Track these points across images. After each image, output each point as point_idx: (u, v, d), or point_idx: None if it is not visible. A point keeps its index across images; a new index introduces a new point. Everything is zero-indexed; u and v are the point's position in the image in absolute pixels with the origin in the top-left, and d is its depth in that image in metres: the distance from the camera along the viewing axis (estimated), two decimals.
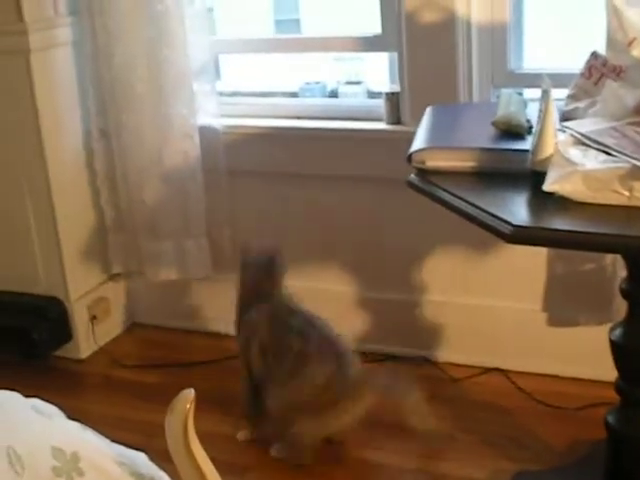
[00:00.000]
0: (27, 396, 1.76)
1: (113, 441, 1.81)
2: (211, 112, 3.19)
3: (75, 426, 1.76)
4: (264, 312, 2.74)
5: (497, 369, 3.05)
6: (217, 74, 3.24)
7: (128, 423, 2.91)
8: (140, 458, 1.81)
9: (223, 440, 2.76)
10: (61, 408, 1.81)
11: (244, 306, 2.78)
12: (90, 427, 1.80)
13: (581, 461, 2.53)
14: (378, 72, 3.27)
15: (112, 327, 3.55)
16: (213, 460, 1.71)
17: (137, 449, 1.84)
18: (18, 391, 1.76)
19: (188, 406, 1.63)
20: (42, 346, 3.28)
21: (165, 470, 1.82)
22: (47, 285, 3.35)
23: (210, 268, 3.30)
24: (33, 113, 3.11)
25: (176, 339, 3.50)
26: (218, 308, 3.08)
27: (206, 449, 1.70)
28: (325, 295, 3.25)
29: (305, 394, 2.60)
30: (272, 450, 2.74)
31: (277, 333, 2.71)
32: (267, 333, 2.71)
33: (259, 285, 2.77)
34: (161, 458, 1.81)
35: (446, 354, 3.14)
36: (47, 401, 1.79)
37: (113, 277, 3.52)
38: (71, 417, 1.80)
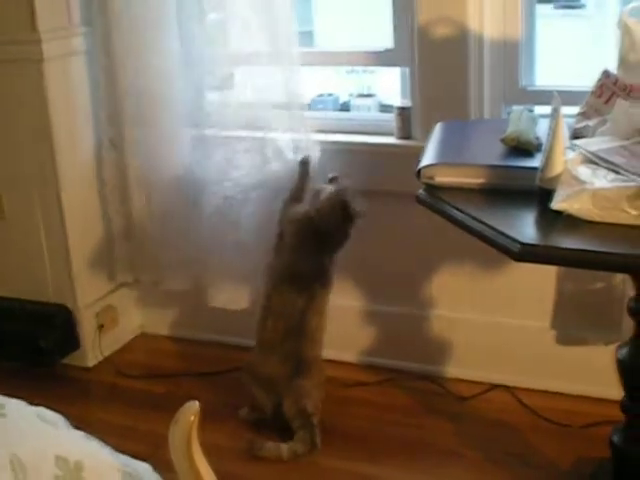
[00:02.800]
0: (32, 404, 1.77)
1: (118, 451, 1.81)
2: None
3: (80, 435, 1.76)
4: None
5: (503, 386, 3.04)
6: (230, 85, 3.24)
7: (134, 433, 2.91)
8: (144, 468, 1.81)
9: (227, 452, 2.75)
10: (66, 417, 1.81)
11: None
12: (95, 436, 1.80)
13: (586, 479, 2.52)
14: (390, 85, 3.28)
15: (120, 336, 3.55)
16: (216, 472, 1.71)
17: (142, 459, 1.84)
18: (24, 399, 1.76)
19: (192, 418, 1.63)
20: (49, 354, 3.28)
21: None
22: (55, 293, 3.36)
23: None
24: (46, 122, 3.12)
25: (184, 349, 3.49)
26: (227, 319, 3.08)
27: (210, 461, 1.70)
28: (333, 308, 3.24)
29: (254, 374, 2.87)
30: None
31: (280, 302, 2.83)
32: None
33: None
34: (166, 469, 1.81)
35: (453, 370, 3.13)
36: (52, 409, 1.79)
37: (121, 286, 3.52)
38: (76, 426, 1.81)
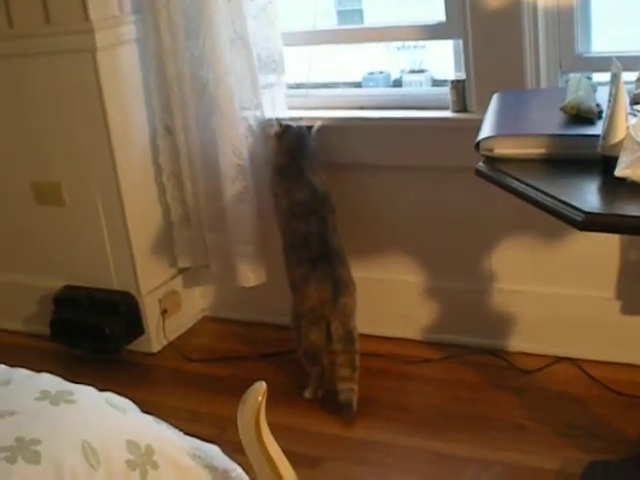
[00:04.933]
0: (101, 390, 1.79)
1: (186, 434, 1.83)
2: (279, 105, 3.23)
3: (149, 419, 1.78)
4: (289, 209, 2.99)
5: (568, 358, 3.01)
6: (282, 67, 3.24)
7: (201, 416, 2.94)
8: (213, 450, 1.83)
9: (295, 432, 2.77)
10: (134, 402, 1.83)
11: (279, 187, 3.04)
12: (163, 420, 1.82)
13: None
14: (441, 60, 3.24)
15: (183, 321, 3.58)
16: (285, 452, 1.72)
17: (210, 441, 1.86)
18: (92, 385, 1.79)
19: (260, 399, 1.64)
20: (115, 341, 3.32)
21: (238, 462, 1.83)
22: (119, 280, 3.40)
23: (263, 276, 3.27)
24: (101, 111, 3.15)
25: (246, 332, 3.51)
26: (288, 300, 3.08)
27: (278, 441, 1.71)
28: (394, 285, 3.25)
29: (302, 309, 2.92)
30: (305, 393, 2.99)
31: (295, 236, 2.96)
32: (289, 231, 2.99)
33: (293, 159, 2.99)
34: (234, 450, 1.83)
35: (517, 343, 3.11)
36: (120, 395, 1.81)
37: (183, 271, 3.55)
38: (144, 410, 1.83)
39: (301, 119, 3.09)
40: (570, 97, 2.09)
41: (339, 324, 2.86)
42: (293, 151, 3.01)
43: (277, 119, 3.07)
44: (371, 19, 3.53)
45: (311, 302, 2.89)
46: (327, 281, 2.87)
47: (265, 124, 3.19)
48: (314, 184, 2.96)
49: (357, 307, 2.96)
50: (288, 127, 3.03)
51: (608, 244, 2.84)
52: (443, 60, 3.18)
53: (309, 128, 3.05)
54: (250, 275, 3.26)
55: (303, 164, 2.99)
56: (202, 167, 3.23)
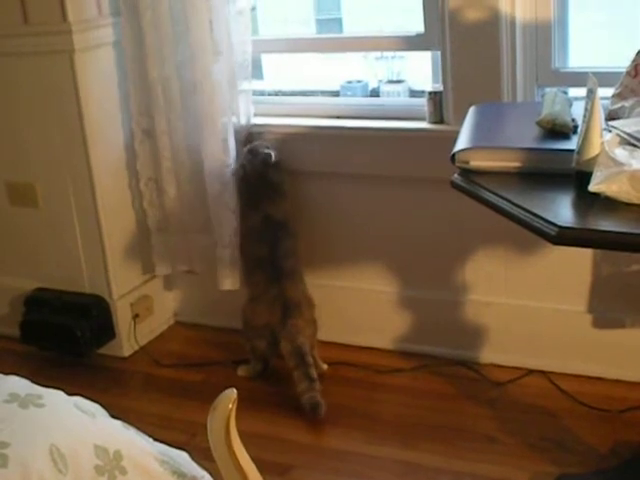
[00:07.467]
0: (70, 394, 1.78)
1: (155, 440, 1.82)
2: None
3: (118, 425, 1.77)
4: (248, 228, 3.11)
5: (539, 371, 3.02)
6: (260, 74, 3.24)
7: (170, 422, 2.92)
8: (182, 457, 1.82)
9: (265, 439, 2.77)
10: (104, 406, 1.82)
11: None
12: (132, 425, 1.81)
13: (624, 464, 2.50)
14: (420, 70, 3.25)
15: (155, 325, 3.56)
16: (255, 459, 1.72)
17: (179, 448, 1.85)
18: (61, 389, 1.77)
19: (230, 406, 1.63)
20: (85, 344, 3.30)
21: (207, 469, 1.82)
22: (91, 284, 3.38)
23: (238, 282, 3.25)
24: (77, 113, 3.13)
25: (219, 338, 3.50)
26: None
27: (248, 448, 1.71)
28: (367, 295, 3.25)
29: (251, 326, 3.09)
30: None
31: (250, 259, 3.11)
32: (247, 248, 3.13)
33: (254, 186, 3.07)
34: (203, 457, 1.82)
35: (488, 355, 3.12)
36: (90, 399, 1.80)
37: (155, 276, 3.53)
38: (114, 415, 1.82)
39: (268, 147, 3.10)
40: (546, 111, 2.10)
41: (287, 342, 2.95)
42: (254, 178, 3.07)
43: (248, 146, 3.12)
44: (350, 28, 3.54)
45: (262, 321, 3.02)
46: (277, 304, 2.99)
47: (240, 130, 3.19)
48: (268, 212, 3.04)
49: (329, 316, 2.96)
50: (255, 152, 3.08)
51: (581, 258, 2.85)
52: (421, 71, 3.19)
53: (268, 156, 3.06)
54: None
55: (261, 192, 3.06)
56: (190, 169, 3.22)
